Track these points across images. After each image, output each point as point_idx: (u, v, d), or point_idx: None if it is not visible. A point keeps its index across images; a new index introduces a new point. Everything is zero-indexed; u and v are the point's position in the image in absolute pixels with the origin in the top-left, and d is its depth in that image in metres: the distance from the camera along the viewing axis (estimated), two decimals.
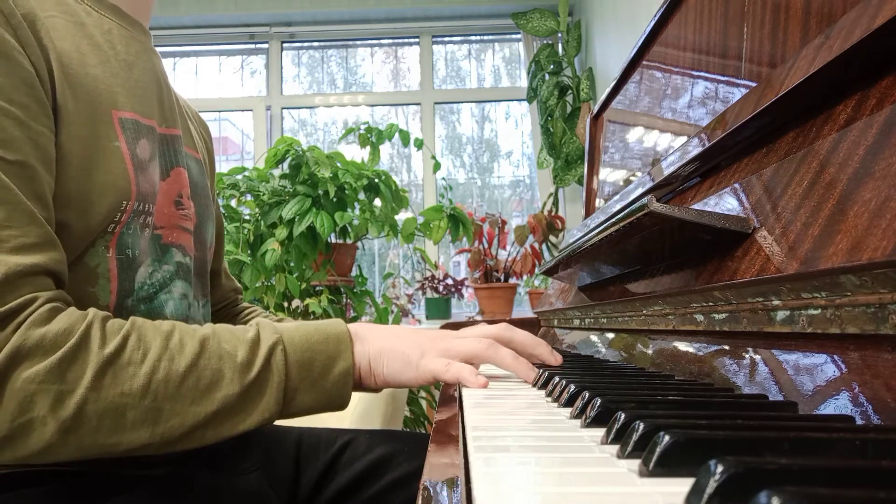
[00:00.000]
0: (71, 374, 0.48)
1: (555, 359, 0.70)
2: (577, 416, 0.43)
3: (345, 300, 2.00)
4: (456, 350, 0.64)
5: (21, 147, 0.50)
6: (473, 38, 3.47)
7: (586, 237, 0.67)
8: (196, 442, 0.54)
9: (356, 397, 1.27)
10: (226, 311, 0.95)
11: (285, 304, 1.89)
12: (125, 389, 0.50)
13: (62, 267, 0.53)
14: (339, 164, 1.89)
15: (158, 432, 0.51)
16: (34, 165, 0.51)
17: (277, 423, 0.89)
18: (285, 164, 1.94)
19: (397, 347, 0.63)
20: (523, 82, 3.19)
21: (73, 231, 0.55)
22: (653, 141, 0.96)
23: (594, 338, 0.96)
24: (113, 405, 0.49)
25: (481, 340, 0.64)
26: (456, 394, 0.60)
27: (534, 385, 0.63)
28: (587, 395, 0.44)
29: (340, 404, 0.61)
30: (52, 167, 0.54)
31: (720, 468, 0.21)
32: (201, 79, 3.47)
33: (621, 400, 0.42)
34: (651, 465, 0.27)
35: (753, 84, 0.61)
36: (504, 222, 2.64)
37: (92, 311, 0.52)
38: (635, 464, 0.29)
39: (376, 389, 0.65)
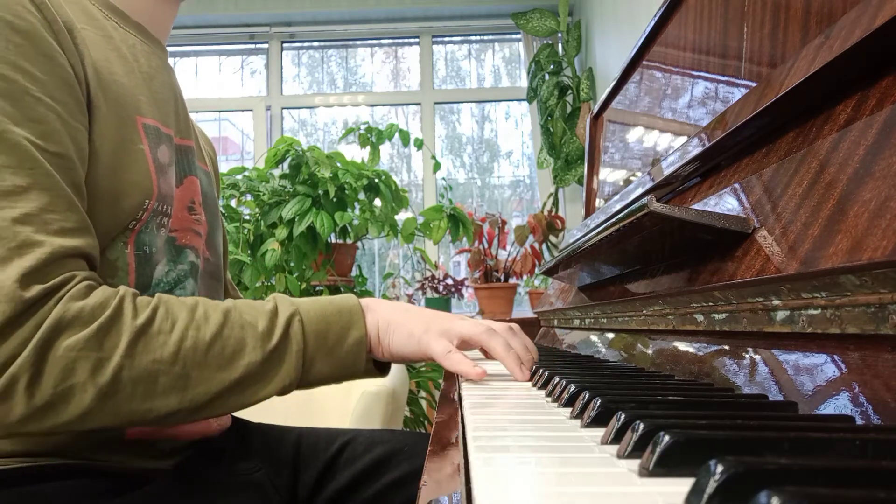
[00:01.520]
0: (108, 343, 0.52)
1: (522, 374, 0.67)
2: (578, 416, 0.43)
3: None
4: (456, 330, 0.67)
5: (62, 140, 0.54)
6: (473, 38, 3.47)
7: (586, 237, 0.67)
8: (221, 409, 0.57)
9: (356, 397, 1.27)
10: None
11: None
12: (157, 357, 0.53)
13: (95, 252, 0.57)
14: (339, 164, 1.89)
15: (188, 398, 0.55)
16: (73, 157, 0.55)
17: (277, 422, 0.89)
18: (285, 164, 1.94)
19: (404, 321, 0.66)
20: (523, 82, 3.19)
21: (99, 225, 0.58)
22: (653, 141, 0.96)
23: (594, 338, 0.96)
24: (146, 371, 0.53)
25: (479, 324, 0.68)
26: (456, 394, 0.60)
27: (534, 385, 0.63)
28: (587, 395, 0.44)
29: (355, 372, 0.64)
30: (86, 162, 0.57)
31: (720, 468, 0.21)
32: (201, 79, 3.46)
33: (621, 400, 0.42)
34: (651, 465, 0.27)
35: (753, 84, 0.61)
36: (504, 222, 2.64)
37: (122, 288, 0.56)
38: (635, 464, 0.29)
39: (384, 360, 0.68)
